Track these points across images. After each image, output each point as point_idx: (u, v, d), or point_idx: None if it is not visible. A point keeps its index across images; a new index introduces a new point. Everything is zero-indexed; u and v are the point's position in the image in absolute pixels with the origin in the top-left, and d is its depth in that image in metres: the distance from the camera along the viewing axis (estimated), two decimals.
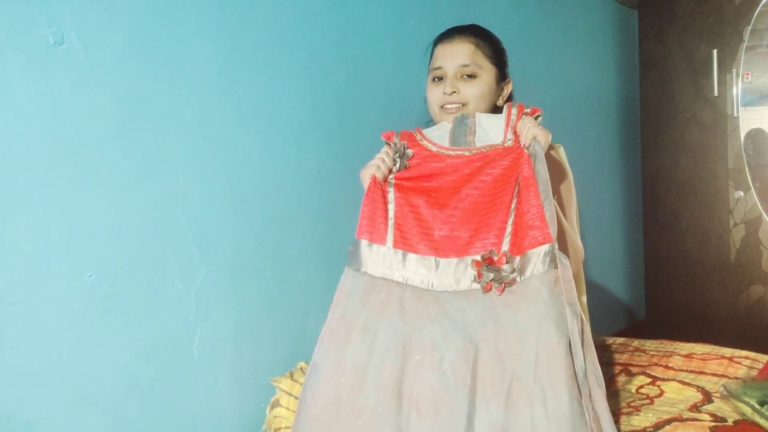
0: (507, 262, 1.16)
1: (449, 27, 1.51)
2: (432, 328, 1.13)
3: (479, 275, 1.17)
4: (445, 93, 1.41)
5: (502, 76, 1.47)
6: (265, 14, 1.56)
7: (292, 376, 1.51)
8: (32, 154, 1.17)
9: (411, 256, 1.22)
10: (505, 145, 1.31)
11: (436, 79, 1.45)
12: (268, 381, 1.52)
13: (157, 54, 1.35)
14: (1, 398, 1.13)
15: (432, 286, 1.19)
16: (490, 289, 1.16)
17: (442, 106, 1.43)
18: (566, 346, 1.07)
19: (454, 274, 1.20)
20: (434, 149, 1.35)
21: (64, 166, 1.21)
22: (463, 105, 1.41)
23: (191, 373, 1.41)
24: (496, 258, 1.17)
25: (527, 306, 1.12)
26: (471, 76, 1.42)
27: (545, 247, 1.15)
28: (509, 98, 1.49)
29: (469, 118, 1.39)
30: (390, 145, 1.37)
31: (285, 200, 1.61)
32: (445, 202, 1.27)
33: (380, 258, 1.22)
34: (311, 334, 1.66)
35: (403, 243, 1.24)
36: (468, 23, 1.52)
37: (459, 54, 1.42)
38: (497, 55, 1.46)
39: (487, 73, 1.43)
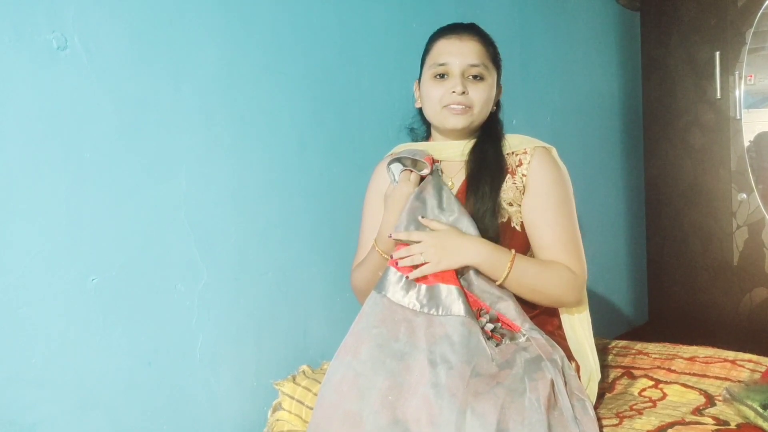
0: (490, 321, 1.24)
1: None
2: (434, 349, 1.14)
3: (478, 315, 1.23)
4: (454, 92, 1.31)
5: (498, 81, 1.41)
6: (268, 18, 1.57)
7: (294, 379, 1.51)
8: (35, 157, 1.17)
9: (424, 287, 1.23)
10: None
11: (438, 77, 1.34)
12: (270, 384, 1.52)
13: (159, 58, 1.35)
14: (4, 401, 1.14)
15: (439, 312, 1.21)
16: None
17: (446, 106, 1.33)
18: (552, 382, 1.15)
19: (457, 299, 1.21)
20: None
21: (67, 170, 1.22)
22: (468, 108, 1.33)
23: (193, 376, 1.41)
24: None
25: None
26: (478, 78, 1.33)
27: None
28: (498, 105, 1.43)
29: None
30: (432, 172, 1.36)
31: (287, 203, 1.61)
32: None
33: (402, 285, 1.24)
34: (314, 338, 1.67)
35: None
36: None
37: (468, 52, 1.33)
38: (497, 58, 1.41)
39: (491, 76, 1.36)
